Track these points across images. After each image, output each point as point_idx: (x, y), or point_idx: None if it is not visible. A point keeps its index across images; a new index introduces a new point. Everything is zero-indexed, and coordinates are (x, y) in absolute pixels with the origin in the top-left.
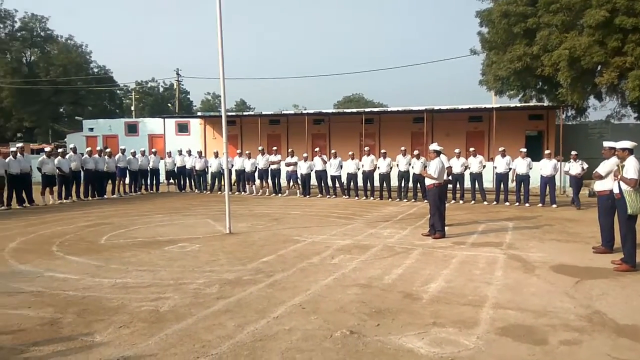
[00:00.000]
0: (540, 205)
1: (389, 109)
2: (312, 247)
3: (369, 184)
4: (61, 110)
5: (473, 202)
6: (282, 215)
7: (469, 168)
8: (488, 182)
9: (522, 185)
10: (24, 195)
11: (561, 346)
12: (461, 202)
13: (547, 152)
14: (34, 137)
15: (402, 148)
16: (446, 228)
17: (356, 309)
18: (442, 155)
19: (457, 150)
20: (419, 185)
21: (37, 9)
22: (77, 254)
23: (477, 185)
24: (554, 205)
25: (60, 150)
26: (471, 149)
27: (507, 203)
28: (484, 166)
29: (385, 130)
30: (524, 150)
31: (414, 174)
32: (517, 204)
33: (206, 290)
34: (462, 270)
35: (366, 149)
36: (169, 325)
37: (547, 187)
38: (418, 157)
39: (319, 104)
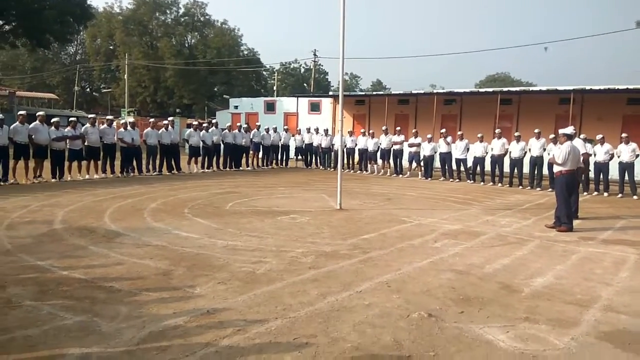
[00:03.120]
0: None
1: (530, 89)
2: (417, 229)
3: (497, 169)
4: (215, 89)
5: (620, 195)
6: (396, 196)
7: (619, 156)
8: None
9: None
10: (173, 163)
11: None
12: (605, 194)
13: None
14: (192, 113)
15: (536, 130)
16: (578, 221)
17: (443, 293)
18: (577, 140)
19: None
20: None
21: None
22: (203, 217)
23: (626, 176)
24: None
25: (204, 124)
26: (623, 135)
27: None
28: (637, 155)
29: (526, 112)
30: None
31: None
32: None
33: (302, 259)
34: (580, 268)
35: (497, 131)
36: (260, 286)
37: None
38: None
39: (459, 84)
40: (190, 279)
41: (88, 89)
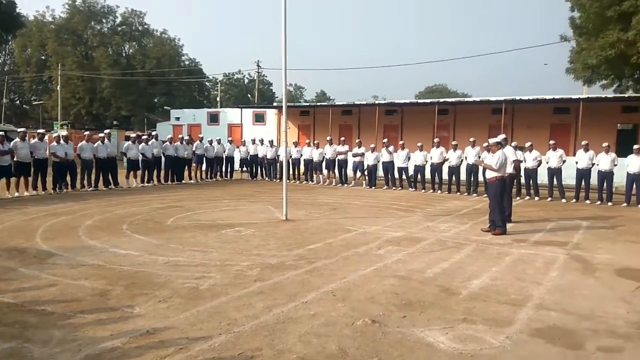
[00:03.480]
0: (625, 204)
1: (465, 100)
2: (362, 237)
3: (437, 177)
4: (155, 100)
5: (550, 199)
6: (342, 205)
7: (547, 163)
8: (571, 179)
9: (605, 182)
10: (110, 177)
11: (597, 352)
12: (536, 198)
13: (635, 147)
14: (130, 126)
15: (471, 139)
16: (511, 225)
17: (386, 299)
18: (508, 148)
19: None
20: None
21: (135, 4)
22: (143, 233)
23: (555, 181)
24: None
25: (144, 137)
26: (551, 142)
27: (588, 201)
28: (564, 161)
29: (461, 122)
30: (607, 144)
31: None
32: (599, 202)
33: (247, 272)
34: (514, 269)
35: (435, 140)
36: (203, 302)
37: (634, 185)
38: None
39: (400, 94)
40: (128, 298)
41: (17, 101)
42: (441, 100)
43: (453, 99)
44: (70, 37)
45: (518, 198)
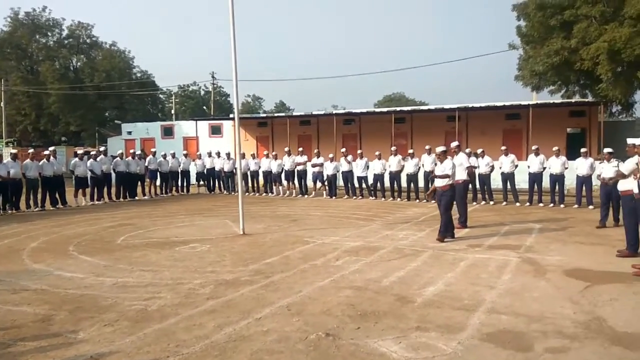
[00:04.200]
0: (576, 206)
1: (421, 108)
2: (320, 248)
3: (395, 185)
4: (106, 114)
5: (505, 203)
6: (301, 217)
7: (500, 168)
8: (525, 183)
9: (557, 185)
10: (57, 196)
11: (545, 354)
12: (491, 203)
13: (583, 150)
14: (80, 141)
15: (427, 147)
16: (467, 230)
17: (342, 311)
18: (462, 154)
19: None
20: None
21: (82, 16)
22: (90, 254)
23: (509, 186)
24: (591, 207)
25: (92, 153)
26: (503, 148)
27: (541, 204)
28: (516, 166)
29: (418, 129)
30: (557, 148)
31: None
32: (552, 205)
33: (200, 291)
34: (468, 274)
35: (393, 148)
36: (151, 324)
37: (584, 187)
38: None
39: (360, 104)
40: (72, 323)
41: None
42: (398, 109)
43: (409, 108)
44: (14, 52)
45: (474, 203)
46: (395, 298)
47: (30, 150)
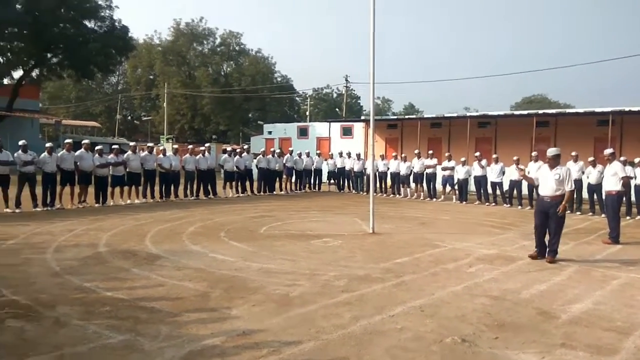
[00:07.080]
0: None
1: (567, 111)
2: (451, 253)
3: (535, 193)
4: (250, 115)
5: None
6: (430, 220)
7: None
8: None
9: None
10: (209, 188)
11: None
12: None
13: None
14: (227, 139)
15: (573, 153)
16: (619, 247)
17: (477, 319)
18: (616, 163)
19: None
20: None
21: (233, 25)
22: (239, 240)
23: None
24: None
25: (238, 150)
26: (621, 158)
27: None
28: None
29: (563, 134)
30: None
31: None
32: None
33: (335, 283)
34: (621, 294)
35: (533, 154)
36: (294, 308)
37: None
38: (594, 164)
39: (495, 106)
40: (227, 300)
41: (129, 117)
42: (540, 111)
43: (553, 110)
44: (175, 58)
45: (628, 218)
46: (536, 312)
47: (189, 147)
